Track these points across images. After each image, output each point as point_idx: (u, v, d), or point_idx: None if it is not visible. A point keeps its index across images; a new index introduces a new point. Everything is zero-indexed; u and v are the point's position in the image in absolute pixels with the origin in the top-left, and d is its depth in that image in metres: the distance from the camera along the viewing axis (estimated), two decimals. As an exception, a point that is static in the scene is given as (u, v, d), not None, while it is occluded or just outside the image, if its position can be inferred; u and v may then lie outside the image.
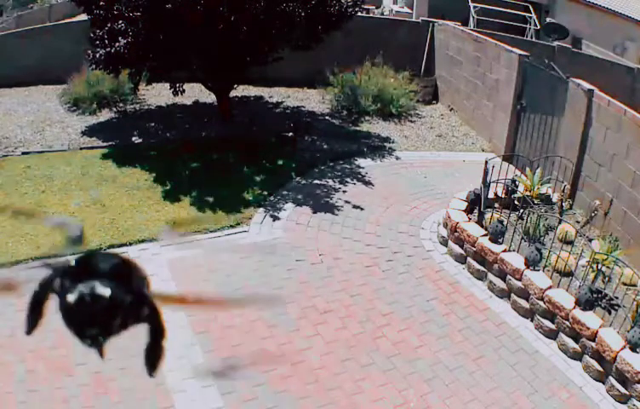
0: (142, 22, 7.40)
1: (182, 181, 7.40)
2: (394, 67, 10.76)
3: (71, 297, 0.93)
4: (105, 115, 9.36)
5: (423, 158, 9.01)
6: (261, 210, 6.92)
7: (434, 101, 11.51)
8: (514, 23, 14.66)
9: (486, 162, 6.43)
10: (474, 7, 14.95)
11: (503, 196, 6.78)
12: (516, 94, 8.95)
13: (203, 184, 7.31)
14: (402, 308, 5.50)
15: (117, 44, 7.53)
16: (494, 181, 6.48)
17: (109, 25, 7.66)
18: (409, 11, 16.00)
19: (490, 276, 5.94)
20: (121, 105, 9.67)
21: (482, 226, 6.27)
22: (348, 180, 7.91)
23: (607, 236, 6.39)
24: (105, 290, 0.94)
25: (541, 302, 5.35)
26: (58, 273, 1.01)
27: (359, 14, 10.07)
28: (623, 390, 4.59)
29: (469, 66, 10.47)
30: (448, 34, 11.23)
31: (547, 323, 5.30)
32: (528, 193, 6.80)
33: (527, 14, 15.05)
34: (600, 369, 4.80)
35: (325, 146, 8.91)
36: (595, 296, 5.15)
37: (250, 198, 7.08)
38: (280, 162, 8.09)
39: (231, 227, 6.50)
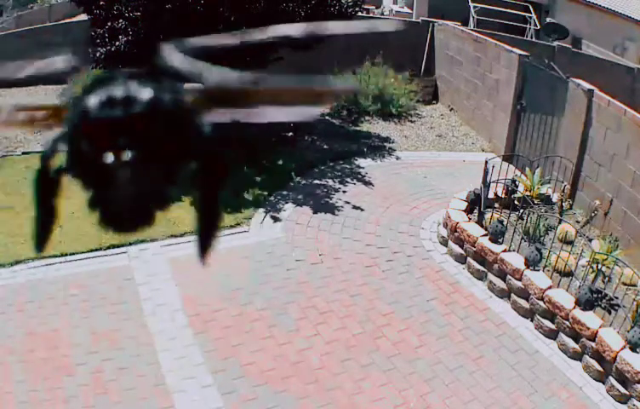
0: (142, 22, 7.41)
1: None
2: (394, 67, 10.76)
3: (93, 101, 0.66)
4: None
5: (423, 158, 9.01)
6: (261, 210, 6.92)
7: (434, 101, 11.51)
8: (514, 23, 14.66)
9: (486, 162, 6.43)
10: (474, 7, 14.95)
11: (503, 196, 6.77)
12: (516, 94, 8.95)
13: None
14: (402, 308, 5.50)
15: (118, 43, 7.53)
16: (494, 181, 6.47)
17: (109, 24, 7.66)
18: (409, 11, 16.00)
19: (490, 276, 5.94)
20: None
21: (482, 226, 6.27)
22: (348, 180, 7.91)
23: (607, 236, 6.39)
24: (140, 90, 0.66)
25: (541, 302, 5.35)
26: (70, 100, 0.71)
27: (359, 13, 10.07)
28: (623, 390, 4.59)
29: (469, 66, 10.47)
30: (448, 34, 11.23)
31: (547, 323, 5.30)
32: (528, 193, 6.80)
33: (527, 14, 15.05)
34: (600, 369, 4.80)
35: (325, 147, 8.91)
36: (595, 296, 5.15)
37: (250, 199, 7.08)
38: (280, 162, 8.09)
39: (231, 227, 6.50)
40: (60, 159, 0.70)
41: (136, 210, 0.71)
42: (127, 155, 0.65)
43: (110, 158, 0.65)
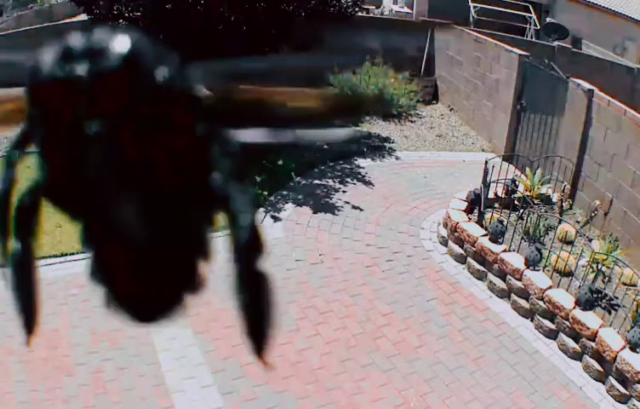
0: (142, 22, 7.41)
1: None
2: (394, 67, 10.76)
3: (51, 53, 0.46)
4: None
5: (423, 158, 9.00)
6: (261, 210, 6.92)
7: (434, 101, 11.51)
8: (514, 23, 14.66)
9: (486, 162, 6.43)
10: (474, 7, 14.94)
11: (503, 196, 6.77)
12: (516, 94, 8.95)
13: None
14: (402, 308, 5.49)
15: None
16: (494, 181, 6.48)
17: (109, 24, 7.67)
18: (409, 11, 15.99)
19: (490, 276, 5.94)
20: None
21: (482, 226, 6.27)
22: (348, 180, 7.91)
23: (607, 236, 6.39)
24: (122, 39, 0.46)
25: (541, 302, 5.35)
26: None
27: (359, 13, 10.07)
28: (623, 390, 4.59)
29: (469, 66, 10.47)
30: (448, 34, 11.23)
31: (547, 323, 5.29)
32: (528, 193, 6.80)
33: (527, 14, 15.05)
34: (600, 369, 4.80)
35: (325, 147, 8.91)
36: (595, 296, 5.15)
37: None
38: (280, 162, 8.09)
39: (231, 227, 6.49)
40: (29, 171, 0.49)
41: (158, 275, 0.51)
42: (108, 152, 0.44)
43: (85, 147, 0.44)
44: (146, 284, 0.51)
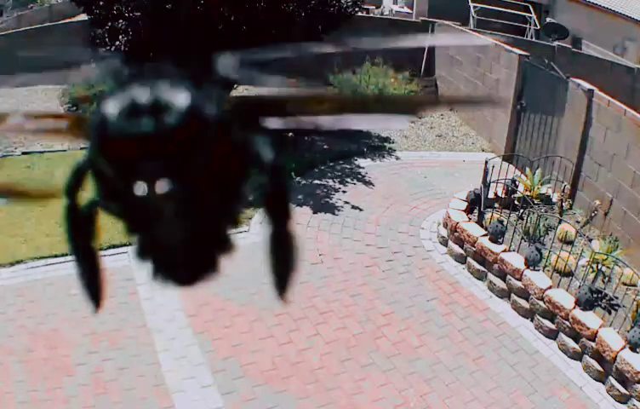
0: (142, 22, 7.41)
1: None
2: (394, 67, 10.76)
3: (113, 109, 0.49)
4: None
5: (423, 158, 9.01)
6: (262, 210, 6.91)
7: (434, 101, 11.49)
8: (514, 23, 14.66)
9: (486, 162, 6.43)
10: (474, 7, 14.94)
11: (503, 196, 6.77)
12: (516, 94, 8.95)
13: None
14: (402, 308, 5.49)
15: (118, 43, 7.54)
16: (494, 181, 6.48)
17: (109, 24, 7.67)
18: (409, 11, 15.99)
19: (490, 276, 5.94)
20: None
21: (482, 226, 6.27)
22: (348, 180, 7.91)
23: (607, 236, 6.39)
24: (179, 94, 0.50)
25: (541, 302, 5.35)
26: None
27: (359, 13, 10.07)
28: (623, 390, 4.59)
29: (469, 66, 10.47)
30: (448, 34, 11.22)
31: (547, 323, 5.29)
32: (528, 193, 6.80)
33: (527, 14, 15.05)
34: (600, 369, 4.80)
35: (325, 147, 8.91)
36: (595, 296, 5.15)
37: (250, 198, 7.08)
38: (280, 162, 8.08)
39: (231, 227, 6.49)
40: (88, 187, 0.57)
41: (193, 258, 0.59)
42: (165, 185, 0.49)
43: (142, 188, 0.50)
44: (187, 254, 0.59)
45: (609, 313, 5.16)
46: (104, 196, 0.56)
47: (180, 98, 0.50)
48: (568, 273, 5.53)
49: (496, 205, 6.60)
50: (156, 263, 0.59)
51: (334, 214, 6.96)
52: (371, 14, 15.24)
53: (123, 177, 0.50)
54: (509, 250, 5.87)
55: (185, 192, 0.51)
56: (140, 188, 0.50)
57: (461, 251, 6.29)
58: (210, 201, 0.56)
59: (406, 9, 16.28)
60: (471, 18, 14.83)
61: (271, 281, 0.64)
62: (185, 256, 0.59)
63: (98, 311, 0.68)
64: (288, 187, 0.64)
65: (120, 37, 7.59)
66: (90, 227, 0.61)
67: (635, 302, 4.99)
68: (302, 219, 6.80)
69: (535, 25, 14.84)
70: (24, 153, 7.87)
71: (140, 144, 0.49)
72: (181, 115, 0.49)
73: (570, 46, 12.57)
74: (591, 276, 5.40)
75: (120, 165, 0.50)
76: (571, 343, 5.06)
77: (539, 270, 5.57)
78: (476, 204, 6.56)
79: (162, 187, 0.50)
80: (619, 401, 4.61)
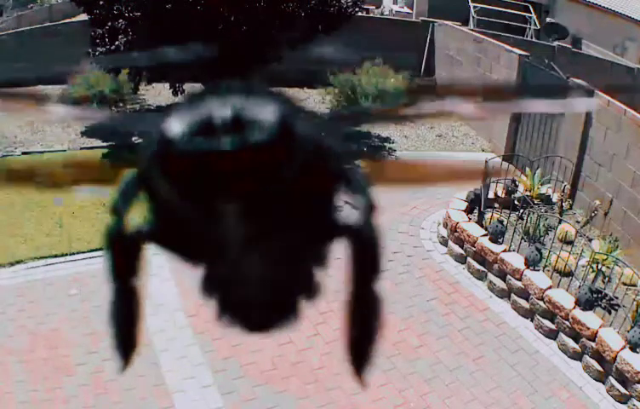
0: (142, 21, 7.41)
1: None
2: (394, 67, 10.75)
3: (178, 126, 0.42)
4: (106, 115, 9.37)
5: (423, 158, 9.00)
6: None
7: (434, 101, 11.50)
8: (514, 23, 14.66)
9: (486, 162, 6.43)
10: (474, 7, 14.94)
11: (503, 196, 6.78)
12: (516, 94, 8.94)
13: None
14: (402, 308, 5.49)
15: (117, 43, 7.54)
16: (494, 181, 6.48)
17: (109, 24, 7.67)
18: (409, 11, 16.00)
19: (490, 276, 5.94)
20: (121, 104, 9.66)
21: (482, 226, 6.27)
22: (348, 180, 7.90)
23: (607, 236, 6.39)
24: (269, 107, 0.42)
25: (541, 302, 5.35)
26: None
27: (359, 13, 10.07)
28: (623, 390, 4.59)
29: (469, 66, 10.47)
30: (448, 34, 11.23)
31: (547, 323, 5.29)
32: (528, 193, 6.80)
33: (527, 14, 15.05)
34: (600, 369, 4.80)
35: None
36: (595, 296, 5.15)
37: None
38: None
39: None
40: (135, 215, 0.49)
41: (271, 301, 0.50)
42: (244, 213, 0.41)
43: (216, 224, 0.42)
44: (265, 296, 0.51)
45: (609, 313, 5.16)
46: (158, 225, 0.47)
47: (270, 111, 0.41)
48: (568, 273, 5.53)
49: (496, 205, 6.60)
50: (226, 303, 0.52)
51: (334, 214, 6.95)
52: (371, 14, 15.24)
53: (188, 201, 0.42)
54: (509, 250, 5.87)
55: (267, 223, 0.43)
56: (213, 216, 0.42)
57: (461, 251, 6.28)
58: (297, 236, 0.47)
59: (406, 9, 16.28)
60: (471, 18, 14.83)
61: (347, 353, 0.54)
62: (263, 297, 0.50)
63: (126, 368, 0.58)
64: (379, 235, 0.52)
65: (120, 37, 7.59)
66: (136, 261, 0.52)
67: (635, 302, 4.99)
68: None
69: (535, 25, 14.84)
70: (24, 153, 7.87)
71: (215, 161, 0.40)
72: (271, 130, 0.40)
73: (570, 46, 12.57)
74: (591, 276, 5.40)
75: (186, 187, 0.41)
76: (571, 343, 5.06)
77: (539, 270, 5.57)
78: (476, 204, 6.56)
79: (240, 215, 0.42)
80: (619, 401, 4.60)
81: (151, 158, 0.43)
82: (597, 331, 4.82)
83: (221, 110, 0.41)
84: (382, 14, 16.23)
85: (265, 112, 0.41)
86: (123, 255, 0.51)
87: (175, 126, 0.41)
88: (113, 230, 0.50)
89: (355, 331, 0.54)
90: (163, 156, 0.42)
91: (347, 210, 0.50)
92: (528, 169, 7.24)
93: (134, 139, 8.66)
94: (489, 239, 5.99)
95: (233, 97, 0.42)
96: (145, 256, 0.51)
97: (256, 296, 0.50)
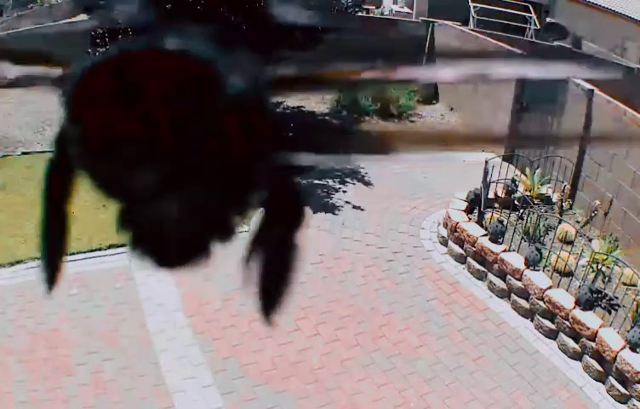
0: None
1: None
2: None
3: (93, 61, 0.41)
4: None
5: (423, 158, 8.99)
6: (261, 209, 6.91)
7: (434, 101, 11.51)
8: (514, 23, 14.66)
9: (486, 162, 6.43)
10: (474, 7, 14.94)
11: (503, 196, 6.78)
12: (516, 94, 8.95)
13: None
14: (402, 308, 5.49)
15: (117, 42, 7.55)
16: (494, 181, 6.48)
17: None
18: (409, 11, 15.99)
19: (490, 276, 5.94)
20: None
21: (482, 226, 6.27)
22: (348, 180, 7.91)
23: (607, 236, 6.39)
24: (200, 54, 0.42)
25: (541, 302, 5.35)
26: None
27: (359, 14, 10.07)
28: (623, 390, 4.59)
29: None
30: (448, 34, 11.23)
31: (547, 323, 5.29)
32: (528, 193, 6.80)
33: (527, 14, 15.05)
34: (600, 369, 4.80)
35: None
36: (595, 296, 5.15)
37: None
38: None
39: (231, 227, 6.49)
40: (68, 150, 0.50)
41: (184, 240, 0.50)
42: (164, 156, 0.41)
43: (132, 170, 0.42)
44: (178, 235, 0.51)
45: (609, 313, 5.16)
46: (86, 159, 0.47)
47: (200, 58, 0.40)
48: (568, 273, 5.53)
49: (496, 205, 6.60)
50: (141, 241, 0.51)
51: (334, 214, 6.95)
52: (371, 14, 15.23)
53: (105, 144, 0.41)
54: (509, 250, 5.87)
55: (186, 167, 0.43)
56: (132, 157, 0.41)
57: (461, 251, 6.28)
58: (216, 183, 0.47)
59: (406, 9, 16.27)
60: (471, 18, 14.83)
61: (258, 296, 0.55)
62: (176, 236, 0.50)
63: (51, 291, 0.59)
64: (297, 189, 0.54)
65: (120, 37, 7.59)
66: (67, 189, 0.53)
67: (635, 302, 4.99)
68: (302, 219, 6.80)
69: (535, 25, 14.83)
70: (24, 153, 7.87)
71: (133, 108, 0.40)
72: (197, 81, 0.40)
73: (570, 46, 12.56)
74: (591, 276, 5.40)
75: (101, 131, 0.41)
76: (571, 343, 5.06)
77: (539, 270, 5.57)
78: (476, 204, 6.56)
79: (160, 157, 0.41)
80: (619, 401, 4.61)
81: (67, 102, 0.43)
82: (597, 331, 4.82)
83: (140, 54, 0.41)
84: (382, 14, 16.23)
85: (198, 59, 0.41)
86: (57, 181, 0.53)
87: (88, 66, 0.41)
88: (52, 158, 0.52)
89: (267, 277, 0.55)
90: (74, 98, 0.42)
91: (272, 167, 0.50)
92: (528, 169, 7.24)
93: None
94: (489, 239, 5.99)
95: (167, 40, 0.42)
96: (75, 187, 0.54)
97: (170, 234, 0.50)
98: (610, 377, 4.69)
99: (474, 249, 6.09)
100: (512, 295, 5.68)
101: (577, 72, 0.58)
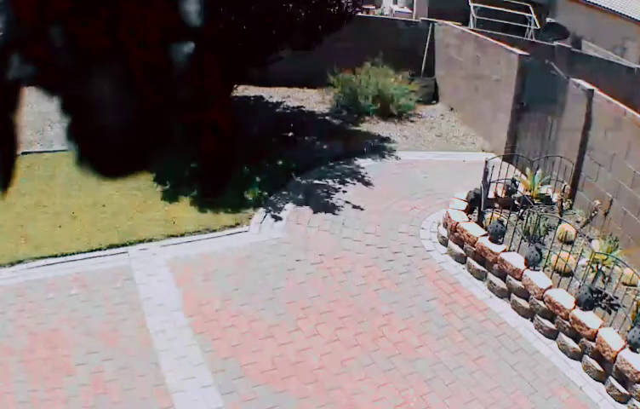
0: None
1: (182, 180, 7.39)
2: (394, 67, 10.75)
3: None
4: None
5: (423, 158, 9.00)
6: (261, 209, 6.92)
7: (434, 101, 11.51)
8: (514, 23, 14.66)
9: (486, 162, 6.43)
10: (474, 7, 14.95)
11: (503, 196, 6.78)
12: (516, 94, 8.95)
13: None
14: (402, 308, 5.49)
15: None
16: (494, 181, 6.48)
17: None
18: (409, 11, 16.00)
19: (490, 276, 5.94)
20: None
21: (482, 226, 6.27)
22: (348, 180, 7.91)
23: (607, 236, 6.39)
24: None
25: (541, 302, 5.35)
26: None
27: (359, 14, 10.06)
28: (623, 390, 4.59)
29: (469, 66, 10.47)
30: (448, 34, 11.23)
31: (547, 323, 5.29)
32: (528, 193, 6.80)
33: (527, 14, 15.06)
34: (600, 369, 4.80)
35: (325, 147, 8.91)
36: (595, 296, 5.15)
37: (250, 198, 7.08)
38: (280, 162, 8.09)
39: (231, 226, 6.49)
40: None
41: (121, 147, 0.51)
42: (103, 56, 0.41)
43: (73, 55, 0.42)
44: (115, 142, 0.52)
45: (609, 313, 5.17)
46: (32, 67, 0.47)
47: None
48: (568, 273, 5.53)
49: (496, 205, 6.60)
50: (81, 146, 0.51)
51: (334, 214, 6.95)
52: (371, 14, 15.24)
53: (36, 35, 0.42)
54: (509, 250, 5.87)
55: (121, 72, 0.44)
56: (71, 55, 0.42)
57: (461, 251, 6.28)
58: (151, 88, 0.47)
59: (406, 9, 16.28)
60: (471, 18, 14.84)
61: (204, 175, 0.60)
62: (113, 143, 0.51)
63: (4, 194, 0.60)
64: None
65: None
66: (15, 97, 0.53)
67: (635, 302, 4.99)
68: (302, 219, 6.80)
69: (535, 25, 14.84)
70: (24, 153, 7.86)
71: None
72: None
73: (570, 46, 12.57)
74: (591, 276, 5.41)
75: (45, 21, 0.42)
76: (571, 343, 5.06)
77: (539, 270, 5.57)
78: (476, 204, 6.56)
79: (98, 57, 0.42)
80: (619, 401, 4.61)
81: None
82: (597, 331, 4.82)
83: None
84: (382, 14, 16.23)
85: None
86: (5, 90, 0.53)
87: None
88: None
89: (211, 156, 0.58)
90: None
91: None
92: (528, 169, 7.24)
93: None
94: (489, 239, 5.99)
95: None
96: (22, 96, 0.54)
97: (107, 142, 0.51)
98: (610, 377, 4.69)
99: (474, 249, 6.10)
100: (512, 295, 5.68)
101: None
